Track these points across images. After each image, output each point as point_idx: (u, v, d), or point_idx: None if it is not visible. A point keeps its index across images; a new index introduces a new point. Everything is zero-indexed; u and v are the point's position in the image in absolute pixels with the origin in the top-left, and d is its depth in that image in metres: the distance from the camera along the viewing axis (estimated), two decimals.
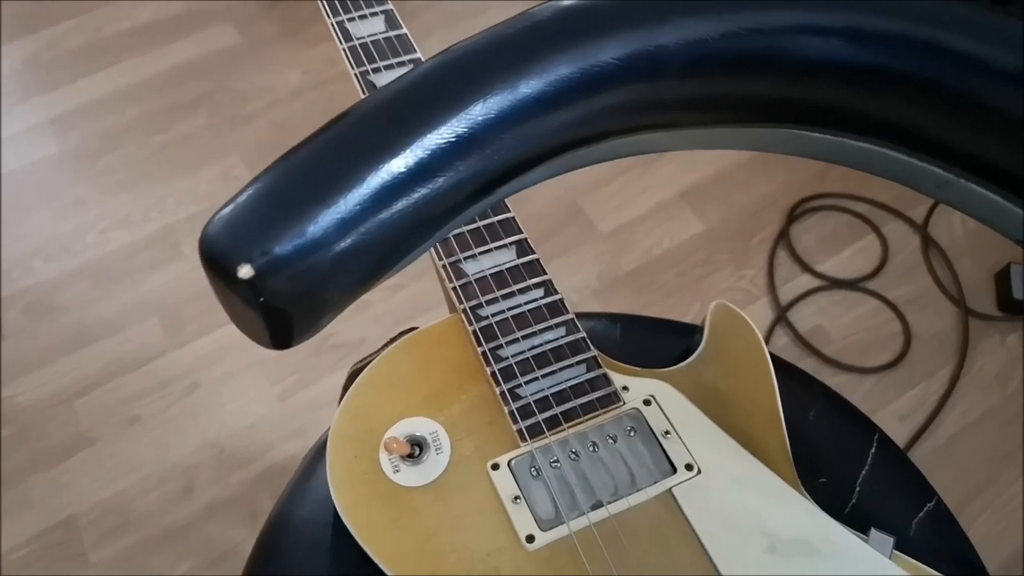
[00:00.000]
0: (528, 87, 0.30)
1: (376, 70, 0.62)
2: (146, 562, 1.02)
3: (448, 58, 0.31)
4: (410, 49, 0.63)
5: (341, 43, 0.64)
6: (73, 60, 1.48)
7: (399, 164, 0.28)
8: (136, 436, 1.11)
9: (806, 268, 1.21)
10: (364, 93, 0.61)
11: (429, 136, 0.28)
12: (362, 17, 0.65)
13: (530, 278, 0.50)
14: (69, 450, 1.10)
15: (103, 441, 1.11)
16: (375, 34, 0.64)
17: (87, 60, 1.48)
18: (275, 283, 0.24)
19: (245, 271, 0.24)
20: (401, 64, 0.62)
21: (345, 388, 0.51)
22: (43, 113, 1.42)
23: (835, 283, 1.19)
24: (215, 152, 1.37)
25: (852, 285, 1.19)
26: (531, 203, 1.29)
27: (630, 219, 1.28)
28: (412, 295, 1.22)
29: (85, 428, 1.12)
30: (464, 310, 0.49)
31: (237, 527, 1.06)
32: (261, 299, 0.24)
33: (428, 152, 0.28)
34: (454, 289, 0.49)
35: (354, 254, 0.27)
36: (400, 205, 0.28)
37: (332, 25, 0.65)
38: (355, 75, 0.62)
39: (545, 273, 0.51)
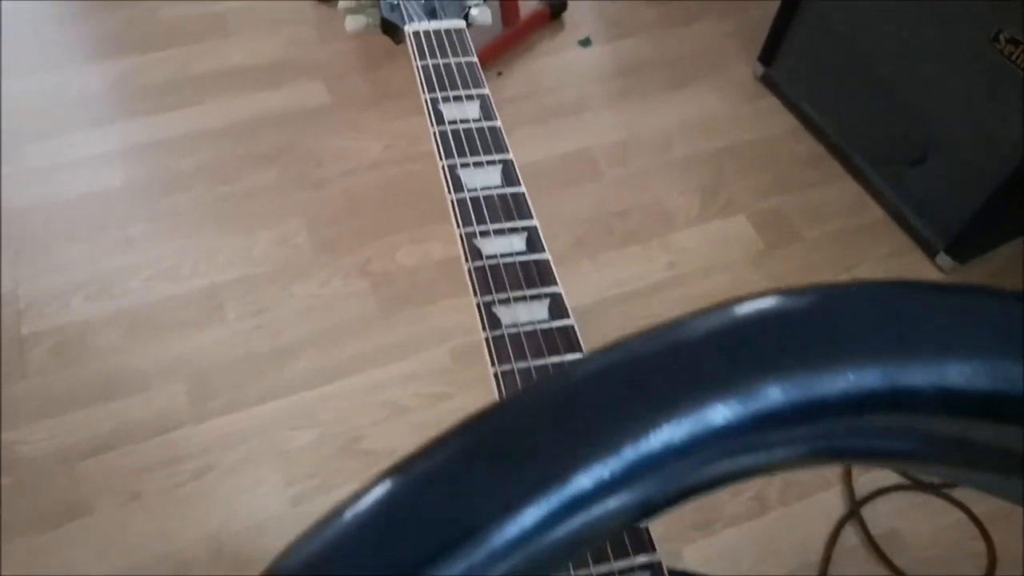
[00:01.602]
0: (729, 412, 0.21)
1: (484, 233, 0.54)
2: None
3: (622, 359, 0.22)
4: (526, 215, 0.55)
5: (450, 193, 0.56)
6: (156, 92, 1.44)
7: (535, 514, 0.19)
8: (135, 514, 1.02)
9: None
10: (467, 259, 0.53)
11: (590, 465, 0.20)
12: (477, 165, 0.58)
13: (636, 555, 0.41)
14: (62, 516, 1.01)
15: (99, 513, 1.02)
16: (488, 188, 0.57)
17: (170, 95, 1.44)
18: None
19: None
20: (513, 231, 0.54)
21: None
22: (115, 142, 1.37)
23: (919, 484, 1.07)
24: (278, 213, 1.31)
25: (937, 490, 1.07)
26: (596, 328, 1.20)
27: None
28: (457, 406, 1.13)
29: (84, 494, 1.03)
30: None
31: None
32: None
33: (581, 490, 0.20)
34: None
35: None
36: (526, 551, 0.19)
37: (443, 168, 0.57)
38: (460, 235, 0.54)
39: (655, 552, 0.42)
